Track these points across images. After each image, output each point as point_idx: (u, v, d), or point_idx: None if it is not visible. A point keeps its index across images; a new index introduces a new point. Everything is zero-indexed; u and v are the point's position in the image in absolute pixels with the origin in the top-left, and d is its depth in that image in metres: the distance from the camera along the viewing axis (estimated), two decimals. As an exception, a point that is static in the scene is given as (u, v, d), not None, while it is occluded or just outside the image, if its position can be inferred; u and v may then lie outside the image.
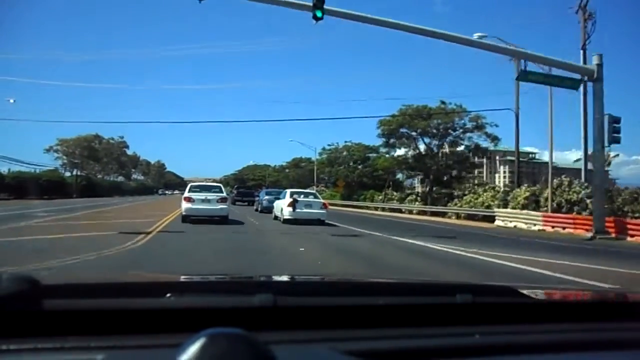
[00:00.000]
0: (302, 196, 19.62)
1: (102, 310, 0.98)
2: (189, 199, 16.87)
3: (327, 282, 1.71)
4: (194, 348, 0.72)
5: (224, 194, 18.07)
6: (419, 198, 39.08)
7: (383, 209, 40.03)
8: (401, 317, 1.11)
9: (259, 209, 26.55)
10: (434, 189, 39.31)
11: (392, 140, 40.90)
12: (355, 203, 45.56)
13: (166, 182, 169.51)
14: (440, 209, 33.04)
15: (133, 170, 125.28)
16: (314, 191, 24.36)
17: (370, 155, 55.57)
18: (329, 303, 1.16)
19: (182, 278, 1.68)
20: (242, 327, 0.78)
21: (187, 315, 0.99)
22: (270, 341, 0.82)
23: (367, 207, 42.76)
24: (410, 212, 36.50)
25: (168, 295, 1.07)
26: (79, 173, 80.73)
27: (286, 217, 18.40)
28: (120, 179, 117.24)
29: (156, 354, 0.88)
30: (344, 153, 56.71)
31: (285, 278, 1.84)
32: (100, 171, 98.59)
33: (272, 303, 1.03)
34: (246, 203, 36.36)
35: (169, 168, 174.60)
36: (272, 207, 22.78)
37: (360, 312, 1.12)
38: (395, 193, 43.01)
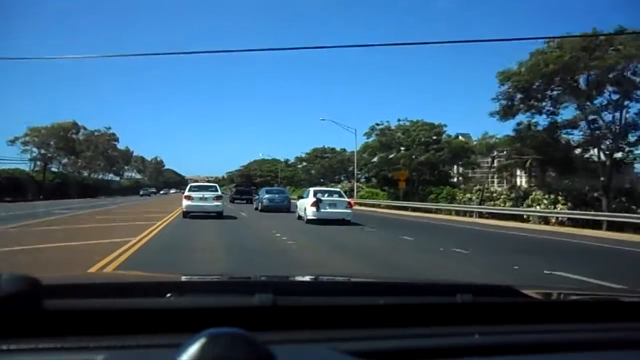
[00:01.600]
0: (326, 195, 19.09)
1: (102, 310, 0.98)
2: (188, 197, 19.36)
3: (327, 281, 1.70)
4: (194, 348, 0.72)
5: (219, 193, 20.37)
6: (559, 198, 24.05)
7: (477, 215, 26.44)
8: (401, 316, 1.11)
9: (259, 208, 25.88)
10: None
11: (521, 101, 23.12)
12: (415, 204, 32.30)
13: (165, 180, 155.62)
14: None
15: (126, 167, 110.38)
16: (338, 189, 23.81)
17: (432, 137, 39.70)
18: (328, 303, 1.15)
19: (182, 278, 1.66)
20: (242, 327, 0.78)
21: (187, 315, 0.99)
22: (270, 341, 0.82)
23: (437, 211, 30.01)
24: (546, 221, 21.78)
25: (168, 295, 1.06)
26: (54, 169, 65.98)
27: (310, 217, 17.96)
28: (111, 176, 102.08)
29: (156, 353, 0.88)
30: (398, 135, 39.89)
31: (285, 278, 1.83)
32: (84, 167, 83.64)
33: (272, 303, 1.03)
34: (245, 201, 35.91)
35: (169, 166, 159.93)
36: (272, 206, 24.60)
37: (360, 311, 1.11)
38: (495, 191, 28.31)
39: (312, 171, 66.86)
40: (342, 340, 0.97)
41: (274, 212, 23.31)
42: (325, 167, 62.57)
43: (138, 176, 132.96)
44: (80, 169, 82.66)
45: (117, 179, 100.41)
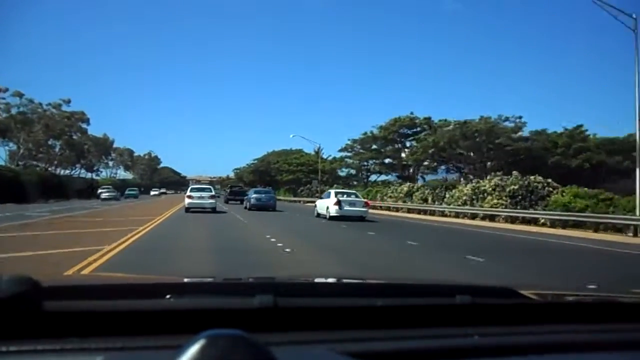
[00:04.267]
0: (344, 196, 21.78)
1: (101, 311, 0.98)
2: (189, 197, 24.23)
3: (326, 283, 1.69)
4: (194, 349, 0.72)
5: (213, 193, 25.59)
6: None
7: None
8: (400, 318, 1.10)
9: (248, 207, 28.29)
10: None
11: None
12: None
13: (162, 179, 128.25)
14: None
15: (109, 161, 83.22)
16: (354, 191, 25.61)
17: None
18: (328, 304, 1.15)
19: (182, 279, 1.65)
20: (242, 329, 0.78)
21: (187, 317, 0.98)
22: (270, 342, 0.82)
23: None
24: None
25: (168, 296, 1.06)
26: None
27: (332, 214, 20.67)
28: (84, 172, 75.13)
29: (156, 355, 0.88)
30: None
31: (285, 279, 1.81)
32: (36, 157, 56.76)
33: (272, 304, 1.03)
34: (239, 202, 37.08)
35: (167, 164, 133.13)
36: (259, 204, 27.35)
37: (359, 313, 1.11)
38: None
39: (384, 160, 40.03)
40: (342, 341, 0.97)
41: (261, 210, 26.66)
42: (427, 147, 35.61)
43: (126, 174, 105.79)
44: (27, 158, 55.81)
45: (92, 175, 73.55)
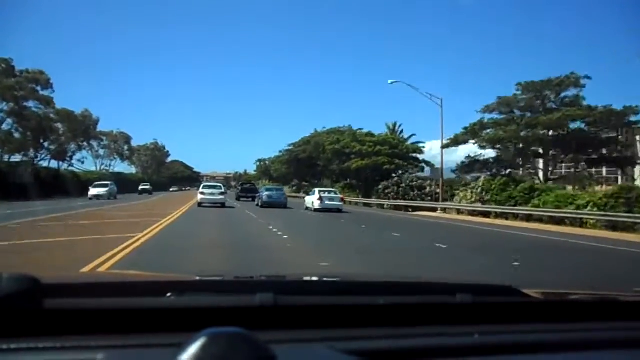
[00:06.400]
0: (325, 193, 27.72)
1: (102, 309, 0.98)
2: (202, 193, 27.46)
3: (327, 281, 1.69)
4: (194, 347, 0.72)
5: (222, 190, 28.61)
6: None
7: None
8: (401, 316, 1.10)
9: (260, 204, 29.38)
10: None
11: None
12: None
13: (172, 175, 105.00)
14: None
15: (86, 144, 60.55)
16: (334, 189, 31.47)
17: None
18: (329, 302, 1.15)
19: (183, 277, 1.67)
20: (243, 327, 0.78)
21: (188, 315, 0.98)
22: (271, 340, 0.82)
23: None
24: None
25: (169, 294, 1.06)
26: None
27: (316, 207, 26.11)
28: (65, 165, 53.14)
29: (157, 353, 0.88)
30: None
31: (285, 277, 1.81)
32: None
33: (273, 302, 1.03)
34: (250, 199, 36.69)
35: (178, 157, 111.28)
36: (270, 202, 28.69)
37: (360, 311, 1.11)
38: None
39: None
40: (343, 339, 0.97)
41: (272, 207, 27.35)
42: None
43: (130, 167, 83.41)
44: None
45: (58, 164, 51.15)
